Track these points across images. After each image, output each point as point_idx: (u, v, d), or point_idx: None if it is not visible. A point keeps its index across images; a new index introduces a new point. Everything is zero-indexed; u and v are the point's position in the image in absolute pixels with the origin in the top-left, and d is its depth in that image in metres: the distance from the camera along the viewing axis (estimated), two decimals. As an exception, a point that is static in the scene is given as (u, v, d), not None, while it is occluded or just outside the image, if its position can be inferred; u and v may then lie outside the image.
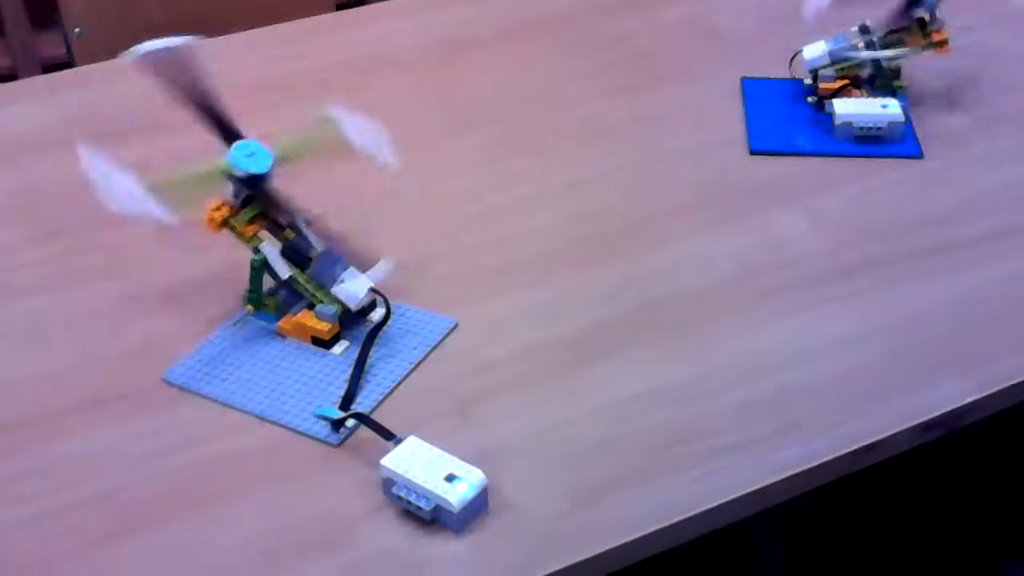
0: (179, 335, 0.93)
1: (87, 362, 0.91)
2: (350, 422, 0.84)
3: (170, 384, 0.89)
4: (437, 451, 0.78)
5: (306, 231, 0.91)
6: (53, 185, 1.14)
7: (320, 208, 0.92)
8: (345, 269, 0.91)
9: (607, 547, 0.75)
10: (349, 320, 0.92)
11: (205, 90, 0.86)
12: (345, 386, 0.87)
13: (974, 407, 0.85)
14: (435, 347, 0.92)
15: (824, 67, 1.17)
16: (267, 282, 0.94)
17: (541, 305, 0.96)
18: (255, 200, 0.89)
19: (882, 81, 1.20)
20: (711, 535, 0.79)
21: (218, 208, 0.88)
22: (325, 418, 0.84)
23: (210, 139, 0.88)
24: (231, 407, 0.87)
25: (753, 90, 1.24)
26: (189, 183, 0.86)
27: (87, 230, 1.07)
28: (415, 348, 0.91)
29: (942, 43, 1.16)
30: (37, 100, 1.30)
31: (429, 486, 0.76)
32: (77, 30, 1.48)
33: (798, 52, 1.19)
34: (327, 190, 0.98)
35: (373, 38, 1.41)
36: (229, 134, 0.87)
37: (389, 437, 0.80)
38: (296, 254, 0.91)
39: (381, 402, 0.87)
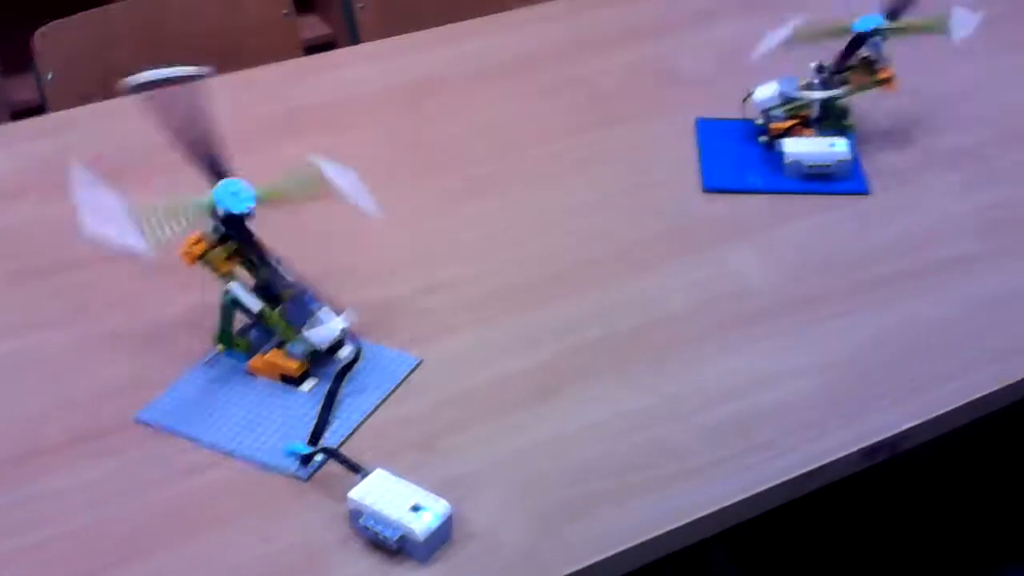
0: (152, 375, 0.96)
1: (62, 403, 0.94)
2: (319, 457, 0.87)
3: (143, 423, 0.91)
4: (403, 483, 0.81)
5: (280, 270, 0.95)
6: (28, 229, 1.17)
7: (290, 249, 0.96)
8: (319, 309, 0.94)
9: (571, 571, 0.79)
10: (317, 358, 0.95)
11: (200, 122, 0.88)
12: (314, 422, 0.90)
13: (911, 433, 0.89)
14: (401, 383, 0.95)
15: (775, 108, 1.22)
16: (239, 322, 0.97)
17: (504, 340, 0.99)
18: (232, 237, 0.92)
19: (831, 121, 1.25)
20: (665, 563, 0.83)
21: (196, 242, 0.91)
22: (294, 453, 0.87)
23: (184, 183, 0.91)
24: (203, 445, 0.89)
25: (707, 130, 1.28)
26: (171, 213, 0.88)
27: (62, 273, 1.10)
28: (381, 385, 0.94)
29: (888, 80, 1.21)
30: (9, 146, 1.33)
31: (395, 516, 0.79)
32: (49, 75, 1.51)
33: (750, 93, 1.24)
34: (297, 231, 1.01)
35: (342, 82, 1.44)
36: (216, 170, 0.90)
37: (356, 470, 0.83)
38: (269, 292, 0.94)
39: (348, 437, 0.90)
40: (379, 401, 0.93)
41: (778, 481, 0.85)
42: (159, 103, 0.88)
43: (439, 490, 0.81)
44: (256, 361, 0.95)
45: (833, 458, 0.87)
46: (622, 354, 0.97)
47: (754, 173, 1.21)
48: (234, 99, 1.40)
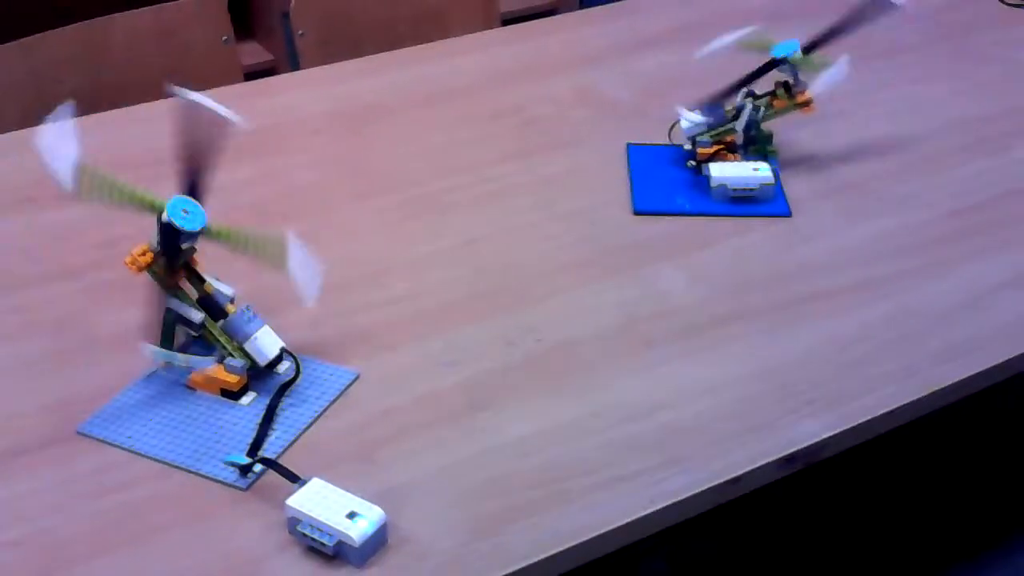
0: (94, 389, 0.98)
1: (5, 415, 0.95)
2: (257, 467, 0.89)
3: (85, 435, 0.93)
4: (339, 491, 0.84)
5: (221, 287, 0.97)
6: (-31, 249, 1.18)
7: (232, 266, 0.98)
8: (259, 327, 0.97)
9: (500, 574, 0.82)
10: (256, 373, 0.98)
11: (205, 144, 0.93)
12: (253, 434, 0.92)
13: (829, 443, 0.94)
14: (338, 397, 0.98)
15: (701, 134, 1.27)
16: (179, 339, 0.99)
17: (438, 355, 1.03)
18: (180, 251, 0.95)
19: (756, 147, 1.30)
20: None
21: (143, 254, 0.93)
22: (233, 464, 0.89)
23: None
24: (144, 456, 0.91)
25: (637, 155, 1.33)
26: (119, 188, 0.91)
27: (8, 291, 1.11)
28: (319, 398, 0.97)
29: (806, 103, 1.26)
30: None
31: (331, 523, 0.81)
32: (-10, 100, 1.52)
33: (676, 121, 1.29)
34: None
35: (282, 107, 1.47)
36: (190, 190, 0.93)
37: (294, 479, 0.86)
38: (212, 306, 0.96)
39: (287, 449, 0.92)
40: (317, 414, 0.96)
41: (696, 491, 0.89)
42: (187, 110, 0.93)
43: (375, 499, 0.84)
44: (197, 376, 0.98)
45: (751, 467, 0.91)
46: (550, 369, 1.01)
47: (682, 196, 1.25)
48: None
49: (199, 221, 0.93)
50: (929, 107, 1.45)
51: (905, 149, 1.35)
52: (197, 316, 0.95)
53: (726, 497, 0.91)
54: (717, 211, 1.23)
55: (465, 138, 1.39)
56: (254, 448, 0.91)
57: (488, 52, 1.62)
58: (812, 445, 0.93)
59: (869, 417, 0.96)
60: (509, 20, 1.88)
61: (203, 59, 1.69)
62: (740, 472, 0.90)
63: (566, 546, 0.84)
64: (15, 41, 1.54)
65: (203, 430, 0.94)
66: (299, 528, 0.82)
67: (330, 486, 0.84)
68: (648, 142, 1.35)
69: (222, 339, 0.97)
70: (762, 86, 1.28)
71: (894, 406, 0.97)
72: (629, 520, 0.86)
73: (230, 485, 0.89)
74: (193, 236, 0.93)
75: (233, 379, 0.96)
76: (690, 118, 1.27)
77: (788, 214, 1.23)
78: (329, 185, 1.30)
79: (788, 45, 1.24)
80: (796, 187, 1.27)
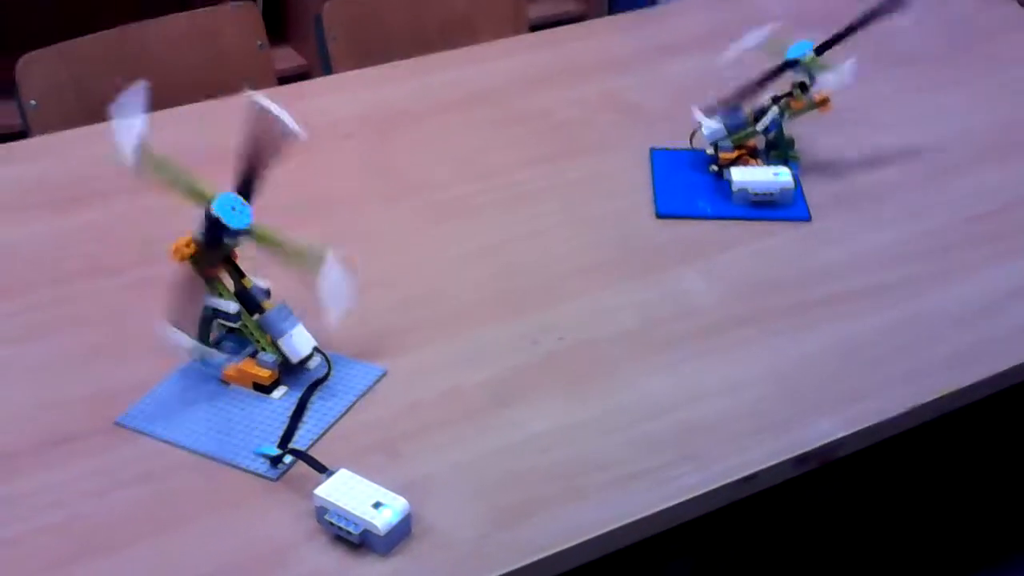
0: (131, 382, 1.02)
1: (44, 407, 0.99)
2: (287, 459, 0.93)
3: (123, 427, 0.97)
4: (365, 482, 0.87)
5: (260, 283, 1.01)
6: (13, 247, 1.22)
7: (268, 266, 1.02)
8: (294, 326, 1.00)
9: (518, 565, 0.85)
10: (288, 368, 1.02)
11: (268, 149, 0.97)
12: (283, 427, 0.96)
13: (843, 443, 0.96)
14: (366, 392, 1.01)
15: (722, 139, 1.29)
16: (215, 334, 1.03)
17: (463, 353, 1.06)
18: (221, 245, 0.98)
19: (778, 151, 1.33)
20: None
21: (187, 244, 0.97)
22: (264, 455, 0.93)
23: (154, 204, 0.96)
24: (179, 446, 0.95)
25: (661, 160, 1.36)
26: (178, 172, 0.95)
27: (47, 288, 1.15)
28: (347, 393, 1.01)
29: (824, 102, 1.28)
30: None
31: (358, 512, 0.84)
32: (32, 102, 1.57)
33: (698, 128, 1.31)
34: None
35: (315, 111, 1.51)
36: (244, 189, 0.97)
37: (322, 470, 0.89)
38: (250, 300, 1.00)
39: (316, 442, 0.96)
40: (345, 408, 0.99)
41: (711, 488, 0.91)
42: (256, 114, 0.98)
43: (400, 491, 0.87)
44: (230, 370, 1.01)
45: (766, 465, 0.93)
46: (571, 368, 1.04)
47: (704, 200, 1.28)
48: (209, 125, 1.46)
49: (245, 220, 0.96)
50: (948, 114, 1.47)
51: (922, 156, 1.37)
52: (233, 307, 0.99)
53: (741, 494, 0.93)
54: (738, 215, 1.26)
55: (492, 142, 1.43)
56: (284, 440, 0.94)
57: (516, 57, 1.65)
58: (826, 445, 0.96)
59: (882, 419, 0.98)
60: (538, 26, 1.91)
61: (238, 63, 1.73)
62: (755, 470, 0.93)
63: (582, 539, 0.87)
64: (57, 44, 1.59)
65: (235, 422, 0.97)
66: (326, 517, 0.86)
67: (357, 477, 0.88)
68: (672, 146, 1.38)
69: (256, 333, 1.00)
70: (779, 87, 1.30)
71: (907, 408, 0.99)
72: (643, 515, 0.89)
73: (261, 475, 0.92)
74: (237, 233, 0.96)
75: (265, 374, 1.00)
76: (707, 123, 1.30)
77: (808, 219, 1.25)
78: (359, 187, 1.34)
79: (801, 46, 1.26)
80: (816, 192, 1.29)
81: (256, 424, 0.97)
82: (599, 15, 2.54)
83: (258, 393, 1.00)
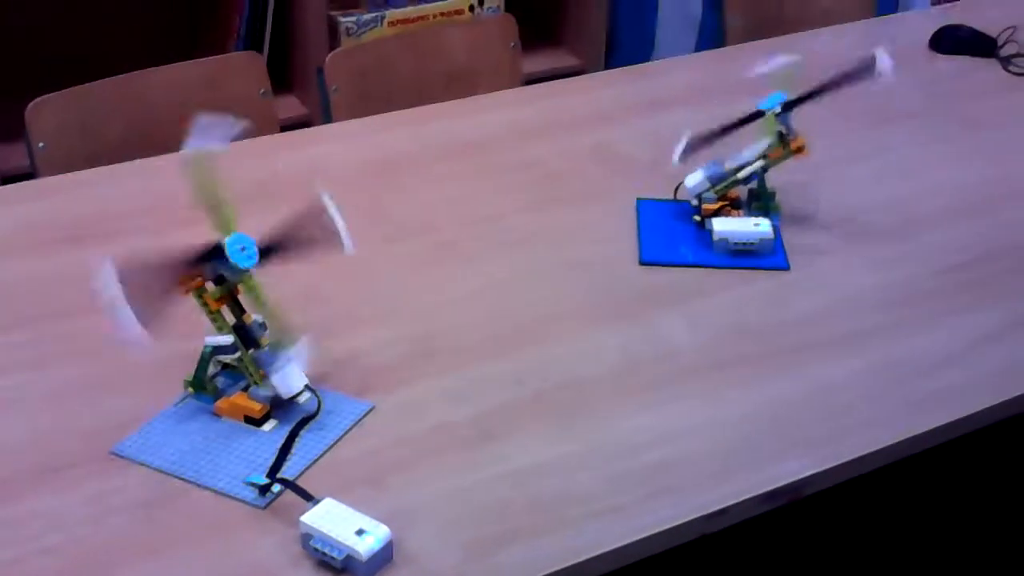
0: (127, 414, 1.05)
1: (41, 438, 1.03)
2: (275, 487, 0.96)
3: (118, 456, 1.01)
4: (350, 510, 0.91)
5: (260, 321, 1.05)
6: (16, 284, 1.27)
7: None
8: (287, 363, 1.04)
9: (494, 592, 0.88)
10: (278, 402, 1.05)
11: (306, 238, 1.04)
12: (273, 458, 1.00)
13: (811, 481, 1.00)
14: (353, 426, 1.05)
15: (705, 191, 1.34)
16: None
17: (450, 391, 1.10)
18: (226, 281, 1.02)
19: (759, 203, 1.37)
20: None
21: (193, 278, 1.01)
22: (253, 484, 0.96)
23: (156, 245, 1.01)
24: (171, 475, 0.99)
25: (646, 209, 1.40)
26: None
27: (50, 322, 1.19)
28: (335, 427, 1.04)
29: (800, 148, 1.33)
30: (2, 207, 1.44)
31: (341, 539, 0.88)
32: (41, 144, 1.62)
33: (681, 183, 1.36)
34: (271, 289, 1.12)
35: (315, 157, 1.56)
36: (265, 246, 1.02)
37: (308, 499, 0.93)
38: (247, 335, 1.04)
39: (303, 472, 0.99)
40: (333, 441, 1.03)
41: (683, 520, 0.95)
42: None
43: (384, 520, 0.91)
44: (223, 403, 1.05)
45: (736, 500, 0.97)
46: (555, 407, 1.08)
47: (686, 248, 1.32)
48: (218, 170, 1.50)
49: (247, 263, 1.00)
50: (923, 171, 1.52)
51: (898, 210, 1.42)
52: (229, 340, 1.03)
53: (713, 527, 0.97)
54: (719, 263, 1.30)
55: (486, 190, 1.47)
56: (273, 470, 0.98)
57: (511, 109, 1.70)
58: (794, 482, 0.99)
59: (850, 458, 1.02)
60: (536, 80, 1.97)
61: (242, 111, 1.77)
62: (725, 504, 0.97)
63: (558, 567, 0.90)
64: (65, 89, 1.64)
65: (226, 453, 1.01)
66: (311, 543, 0.89)
67: (341, 505, 0.91)
68: (657, 197, 1.43)
69: (251, 368, 1.04)
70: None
71: (872, 450, 1.03)
72: (618, 545, 0.92)
73: (249, 503, 0.96)
74: (237, 272, 1.01)
75: (256, 407, 1.04)
76: (690, 178, 1.35)
77: (787, 267, 1.29)
78: (356, 230, 1.37)
79: (772, 99, 1.31)
80: (795, 242, 1.34)
81: (246, 455, 1.01)
82: (595, 70, 2.60)
83: (249, 426, 1.04)
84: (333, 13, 2.38)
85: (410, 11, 2.44)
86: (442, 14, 2.47)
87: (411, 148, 1.58)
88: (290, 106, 2.39)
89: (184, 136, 1.03)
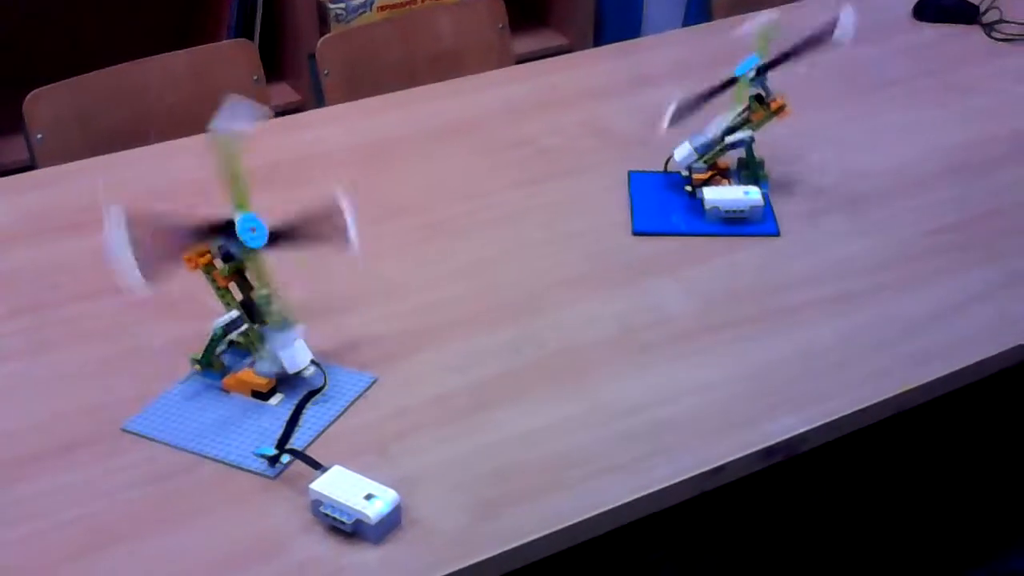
0: (138, 392, 1.08)
1: (61, 414, 1.06)
2: (285, 458, 0.99)
3: (129, 432, 1.03)
4: (358, 476, 0.94)
5: (267, 296, 1.07)
6: (24, 269, 1.29)
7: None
8: (294, 339, 1.07)
9: (500, 551, 0.91)
10: (284, 376, 1.08)
11: (316, 230, 1.06)
12: (281, 430, 1.02)
13: (806, 437, 1.03)
14: (357, 398, 1.07)
15: (694, 162, 1.37)
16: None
17: (450, 362, 1.12)
18: (234, 259, 1.05)
19: (749, 171, 1.40)
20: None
21: (201, 255, 1.03)
22: (263, 455, 0.99)
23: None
24: (182, 449, 1.01)
25: (638, 182, 1.43)
26: (239, 166, 1.01)
27: (54, 308, 1.22)
28: (340, 399, 1.07)
29: (781, 108, 1.35)
30: (2, 197, 1.46)
31: (350, 504, 0.91)
32: (39, 135, 1.64)
33: (671, 156, 1.39)
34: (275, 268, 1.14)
35: (309, 141, 1.58)
36: (274, 230, 1.03)
37: (317, 467, 0.95)
38: (255, 311, 1.06)
39: (311, 444, 1.02)
40: (339, 413, 1.05)
41: (682, 478, 0.98)
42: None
43: (391, 486, 0.93)
44: (230, 379, 1.08)
45: (733, 457, 1.00)
46: (551, 372, 1.10)
47: (678, 218, 1.35)
48: (207, 157, 1.52)
49: (255, 244, 1.03)
50: (910, 136, 1.54)
51: (888, 174, 1.45)
52: (235, 315, 1.05)
53: (710, 485, 1.00)
54: (710, 231, 1.32)
55: (479, 168, 1.50)
56: (282, 442, 1.01)
57: (502, 88, 1.72)
58: (791, 438, 1.02)
59: (844, 413, 1.05)
60: (525, 59, 1.99)
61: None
62: (723, 462, 0.99)
63: (561, 526, 0.93)
64: (62, 81, 1.66)
65: (235, 427, 1.04)
66: (321, 509, 0.92)
67: (349, 472, 0.94)
68: (649, 169, 1.45)
69: (257, 343, 1.06)
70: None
71: (865, 405, 1.05)
72: (619, 504, 0.95)
73: (260, 474, 0.98)
74: (245, 251, 1.03)
75: (263, 382, 1.06)
76: (679, 151, 1.37)
77: (776, 233, 1.32)
78: (352, 210, 1.40)
79: (747, 63, 1.33)
80: (785, 209, 1.36)
81: (255, 428, 1.03)
82: (584, 49, 2.62)
83: (256, 400, 1.07)
84: (323, 0, 2.40)
85: (399, -5, 2.46)
86: (431, -2, 2.48)
87: (404, 129, 1.60)
88: (282, 93, 2.41)
89: (179, 124, 1.05)
